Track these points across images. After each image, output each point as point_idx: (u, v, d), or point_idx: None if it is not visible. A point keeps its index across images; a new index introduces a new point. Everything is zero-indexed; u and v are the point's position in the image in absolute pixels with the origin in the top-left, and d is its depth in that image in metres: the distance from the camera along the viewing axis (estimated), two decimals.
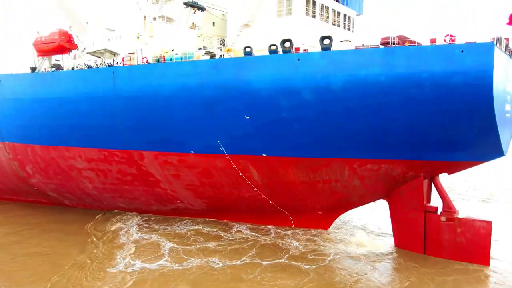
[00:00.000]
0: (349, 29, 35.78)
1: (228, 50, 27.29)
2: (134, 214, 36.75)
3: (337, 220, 32.85)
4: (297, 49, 25.56)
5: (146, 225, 33.68)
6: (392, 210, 28.83)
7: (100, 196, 37.01)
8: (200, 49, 35.54)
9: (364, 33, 40.58)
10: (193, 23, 36.07)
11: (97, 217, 36.31)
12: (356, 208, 32.27)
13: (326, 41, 23.38)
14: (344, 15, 35.00)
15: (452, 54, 20.83)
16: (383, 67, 22.03)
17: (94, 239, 30.24)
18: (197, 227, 32.86)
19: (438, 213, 26.70)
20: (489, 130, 22.32)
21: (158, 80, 27.71)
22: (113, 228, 32.90)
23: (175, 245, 28.33)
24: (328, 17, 32.82)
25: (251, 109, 25.42)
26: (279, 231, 31.48)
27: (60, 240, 30.08)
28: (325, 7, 32.47)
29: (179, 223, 33.92)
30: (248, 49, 25.37)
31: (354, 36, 36.33)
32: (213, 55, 27.63)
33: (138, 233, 31.19)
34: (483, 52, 20.43)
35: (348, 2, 36.26)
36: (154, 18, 34.15)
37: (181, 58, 27.95)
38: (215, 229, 32.13)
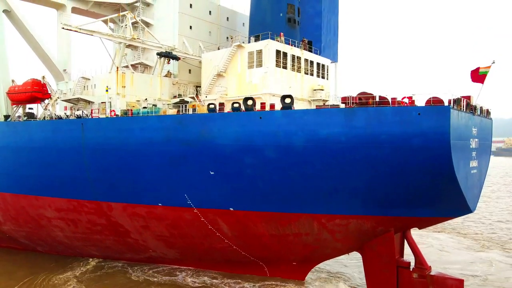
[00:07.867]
0: (323, 77, 36.12)
1: (193, 106, 27.24)
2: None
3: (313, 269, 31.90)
4: (262, 105, 25.57)
5: None
6: (365, 263, 28.10)
7: (72, 244, 36.08)
8: (175, 96, 35.70)
9: (340, 79, 41.11)
10: (168, 71, 36.46)
11: None
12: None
13: (287, 100, 23.41)
14: (318, 64, 35.40)
15: (409, 116, 20.79)
16: (344, 127, 21.94)
17: None
18: None
19: (411, 268, 26.12)
20: (452, 190, 22.04)
21: (125, 133, 27.56)
22: None
23: None
24: (300, 67, 33.18)
25: (216, 165, 25.13)
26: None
27: None
28: (297, 57, 32.88)
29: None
30: (211, 106, 25.36)
31: (328, 83, 36.68)
32: (178, 110, 27.39)
33: None
34: (440, 115, 20.38)
35: (322, 51, 36.84)
36: (126, 66, 34.28)
37: (147, 112, 27.91)
38: None
